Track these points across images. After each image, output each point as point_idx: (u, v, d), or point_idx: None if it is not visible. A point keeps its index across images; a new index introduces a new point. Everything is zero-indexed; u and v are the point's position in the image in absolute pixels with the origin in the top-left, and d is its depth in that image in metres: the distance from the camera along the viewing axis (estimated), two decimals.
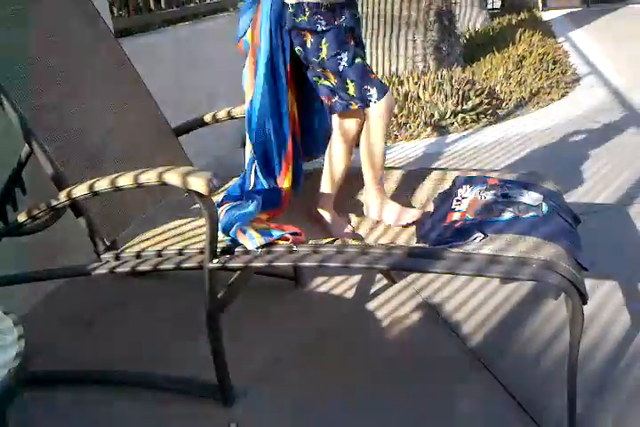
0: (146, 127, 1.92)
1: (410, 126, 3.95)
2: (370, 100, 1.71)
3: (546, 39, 6.05)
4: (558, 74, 4.83)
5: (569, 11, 9.15)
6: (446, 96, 4.08)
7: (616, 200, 2.71)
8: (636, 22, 7.96)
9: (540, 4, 9.35)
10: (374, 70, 4.72)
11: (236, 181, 2.03)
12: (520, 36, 6.00)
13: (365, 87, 1.70)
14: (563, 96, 4.44)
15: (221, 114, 1.97)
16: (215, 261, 1.47)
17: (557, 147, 3.43)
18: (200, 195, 1.36)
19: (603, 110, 4.05)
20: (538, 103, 4.28)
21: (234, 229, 1.51)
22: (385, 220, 1.78)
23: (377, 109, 1.73)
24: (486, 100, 4.13)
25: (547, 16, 8.62)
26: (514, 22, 7.35)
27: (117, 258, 1.58)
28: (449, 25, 4.95)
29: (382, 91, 1.72)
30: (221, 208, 1.67)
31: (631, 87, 4.55)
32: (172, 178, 1.35)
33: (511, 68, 4.85)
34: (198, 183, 1.33)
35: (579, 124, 3.79)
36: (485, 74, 4.77)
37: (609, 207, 2.65)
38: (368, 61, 4.96)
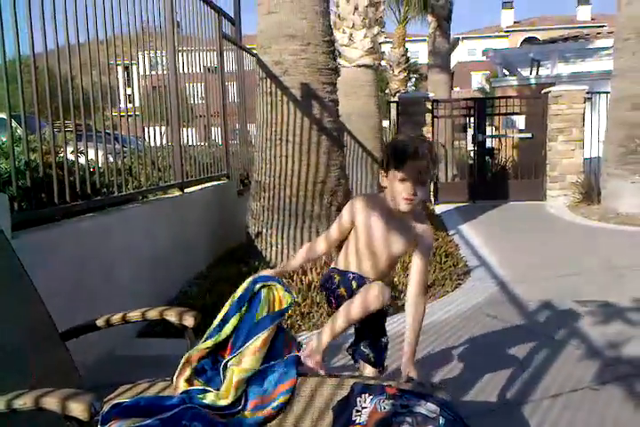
0: (31, 333, 1.82)
1: (313, 316, 3.99)
2: None
3: (438, 232, 6.58)
4: (451, 266, 5.18)
5: (457, 205, 10.14)
6: None
7: (510, 398, 2.77)
8: (516, 219, 8.92)
9: (432, 198, 10.35)
10: (280, 259, 4.92)
11: (124, 388, 1.92)
12: None
13: None
14: (456, 288, 4.71)
15: (116, 318, 1.92)
16: None
17: (451, 341, 3.55)
18: (80, 422, 1.26)
19: (492, 303, 4.31)
20: (434, 295, 4.51)
21: None
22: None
23: None
24: None
25: (438, 209, 9.50)
26: None
27: None
28: None
29: None
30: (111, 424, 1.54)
31: (515, 280, 4.94)
32: (50, 403, 1.26)
33: (408, 260, 5.16)
34: (78, 409, 1.24)
35: (471, 317, 3.99)
36: None
37: (504, 406, 2.69)
38: (274, 249, 5.11)
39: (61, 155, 3.36)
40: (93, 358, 2.92)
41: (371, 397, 1.85)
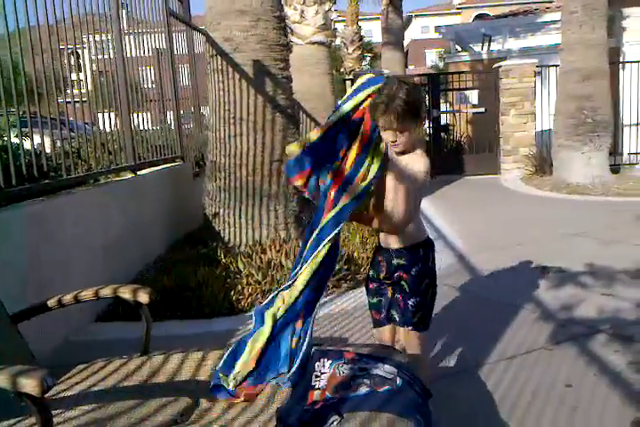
0: None
1: None
2: None
3: None
4: None
5: None
6: None
7: (468, 362, 2.85)
8: (472, 192, 9.08)
9: None
10: (238, 239, 4.89)
11: (80, 368, 1.89)
12: None
13: None
14: None
15: (68, 298, 1.89)
16: None
17: None
18: (33, 397, 1.24)
19: (451, 274, 4.39)
20: None
21: None
22: None
23: None
24: (345, 266, 4.33)
25: None
26: None
27: None
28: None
29: None
30: None
31: (472, 250, 5.04)
32: (0, 380, 1.24)
33: (367, 235, 5.21)
34: (30, 385, 1.22)
35: None
36: (343, 241, 5.07)
37: (462, 370, 2.76)
38: (232, 230, 5.05)
39: (5, 138, 3.26)
40: (49, 346, 2.87)
41: (329, 361, 1.88)
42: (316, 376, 1.84)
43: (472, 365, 2.81)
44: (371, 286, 2.32)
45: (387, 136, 2.04)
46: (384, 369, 1.82)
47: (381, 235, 2.27)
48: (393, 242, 2.21)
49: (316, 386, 1.80)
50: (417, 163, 2.09)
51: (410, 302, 2.19)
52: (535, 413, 2.36)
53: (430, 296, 2.26)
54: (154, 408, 1.68)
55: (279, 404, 1.70)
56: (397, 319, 2.23)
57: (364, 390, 1.73)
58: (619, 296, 3.70)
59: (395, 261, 2.20)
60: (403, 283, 2.20)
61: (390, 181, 2.03)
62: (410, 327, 2.21)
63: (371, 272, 2.33)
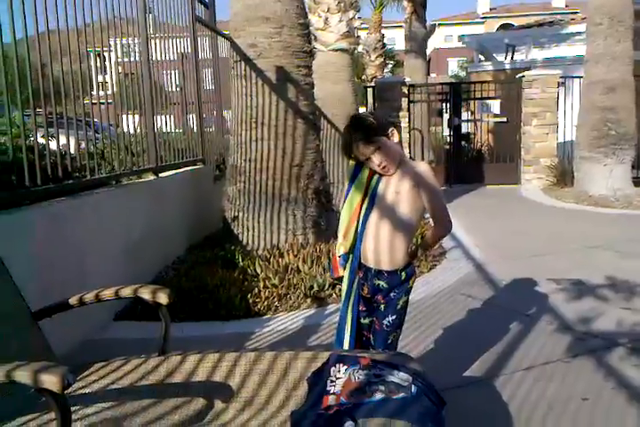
0: (2, 314, 1.81)
1: (290, 297, 4.02)
2: None
3: None
4: None
5: None
6: (324, 269, 4.26)
7: (484, 371, 2.83)
8: (491, 201, 9.01)
9: None
10: (256, 243, 4.92)
11: (98, 366, 1.92)
12: None
13: None
14: (431, 269, 4.76)
15: (89, 296, 1.91)
16: None
17: (428, 319, 3.60)
18: (53, 393, 1.26)
19: (467, 283, 4.37)
20: None
21: None
22: None
23: None
24: None
25: None
26: None
27: None
28: (326, 202, 5.33)
29: None
30: None
31: (489, 261, 5.00)
32: (22, 376, 1.26)
33: None
34: (51, 381, 1.25)
35: (446, 297, 4.04)
36: None
37: (477, 380, 2.74)
38: (250, 233, 5.07)
39: (32, 139, 3.32)
40: (68, 343, 2.91)
41: (345, 367, 1.88)
42: (331, 381, 1.84)
43: (488, 375, 2.79)
44: (361, 307, 2.28)
45: (372, 164, 2.14)
46: (399, 376, 1.82)
47: (366, 251, 2.21)
48: (383, 262, 2.19)
49: (331, 391, 1.80)
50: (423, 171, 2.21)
51: (385, 322, 2.21)
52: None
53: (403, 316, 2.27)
54: (170, 408, 1.69)
55: (293, 407, 1.71)
56: (373, 343, 2.24)
57: (378, 396, 1.73)
58: (638, 310, 3.66)
59: (375, 282, 2.20)
60: (380, 306, 2.22)
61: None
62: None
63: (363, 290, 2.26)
